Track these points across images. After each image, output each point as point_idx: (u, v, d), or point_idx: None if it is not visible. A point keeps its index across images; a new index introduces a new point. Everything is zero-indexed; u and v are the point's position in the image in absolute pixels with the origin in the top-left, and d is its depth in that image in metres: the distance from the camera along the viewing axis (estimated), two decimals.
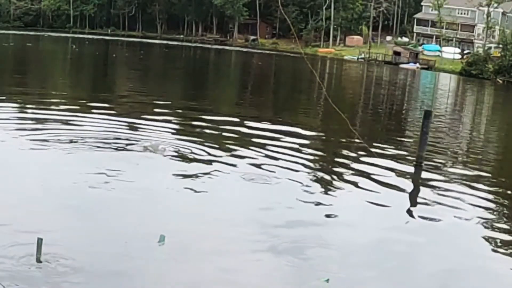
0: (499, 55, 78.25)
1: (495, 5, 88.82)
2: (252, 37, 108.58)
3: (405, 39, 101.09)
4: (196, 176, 10.26)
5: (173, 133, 13.98)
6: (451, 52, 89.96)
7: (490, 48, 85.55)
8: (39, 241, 6.21)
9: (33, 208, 7.91)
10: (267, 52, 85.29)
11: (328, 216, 8.77)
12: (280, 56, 76.65)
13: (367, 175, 11.37)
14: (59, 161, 10.52)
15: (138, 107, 18.37)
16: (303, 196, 9.61)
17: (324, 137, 14.83)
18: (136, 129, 14.02)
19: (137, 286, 6.16)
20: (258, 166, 11.26)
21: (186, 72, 40.48)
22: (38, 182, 9.01)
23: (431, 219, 9.20)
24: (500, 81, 72.40)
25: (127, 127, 14.17)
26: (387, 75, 63.69)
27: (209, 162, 11.22)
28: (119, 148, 11.74)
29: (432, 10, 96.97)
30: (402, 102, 34.68)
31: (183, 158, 11.44)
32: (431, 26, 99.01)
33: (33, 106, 16.75)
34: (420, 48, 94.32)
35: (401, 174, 11.74)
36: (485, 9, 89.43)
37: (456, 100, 42.21)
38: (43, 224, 7.32)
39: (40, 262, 6.15)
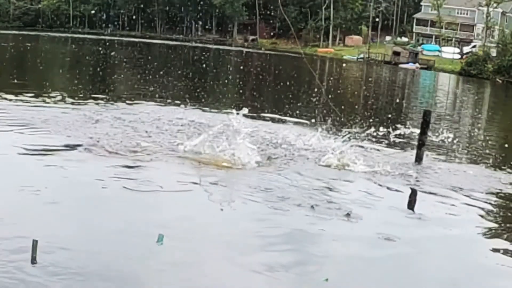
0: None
1: (495, 5, 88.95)
2: (251, 37, 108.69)
3: (405, 39, 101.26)
4: (196, 176, 10.26)
5: (175, 133, 13.92)
6: (450, 52, 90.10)
7: (474, 46, 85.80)
8: (34, 243, 6.18)
9: (28, 208, 7.88)
10: (267, 52, 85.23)
11: (326, 215, 8.75)
12: (279, 56, 76.62)
13: (365, 175, 11.37)
14: (55, 160, 10.49)
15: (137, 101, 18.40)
16: (298, 193, 9.60)
17: (322, 134, 14.81)
18: (134, 128, 13.98)
19: (135, 287, 6.14)
20: (255, 161, 11.28)
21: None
22: (33, 182, 8.96)
23: (430, 219, 9.19)
24: (500, 81, 72.49)
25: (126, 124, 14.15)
26: (386, 75, 63.72)
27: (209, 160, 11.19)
28: (118, 147, 11.70)
29: (431, 10, 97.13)
30: (401, 101, 34.65)
31: (182, 157, 11.41)
32: (430, 26, 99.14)
33: (28, 104, 16.72)
34: (419, 48, 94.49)
35: (400, 174, 11.73)
36: (485, 9, 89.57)
37: (456, 99, 42.23)
38: (39, 224, 7.29)
39: (35, 263, 6.12)
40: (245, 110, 12.09)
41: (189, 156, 11.37)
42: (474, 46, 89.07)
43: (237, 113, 11.89)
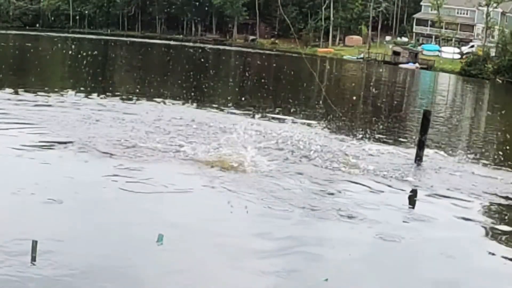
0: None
1: (495, 5, 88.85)
2: (251, 37, 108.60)
3: (405, 39, 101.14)
4: (197, 177, 10.24)
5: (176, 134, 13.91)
6: (450, 52, 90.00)
7: (473, 46, 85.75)
8: (34, 244, 6.17)
9: (28, 208, 7.87)
10: (267, 52, 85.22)
11: (325, 214, 8.74)
12: (279, 56, 76.61)
13: (366, 175, 11.36)
14: (54, 159, 10.48)
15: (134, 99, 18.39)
16: (300, 194, 9.60)
17: (323, 133, 14.86)
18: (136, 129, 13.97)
19: (135, 287, 6.14)
20: (257, 162, 11.26)
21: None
22: (33, 182, 8.95)
23: (430, 219, 9.17)
24: (500, 81, 72.42)
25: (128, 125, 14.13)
26: (386, 75, 63.71)
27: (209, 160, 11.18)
28: (118, 147, 11.69)
29: (431, 10, 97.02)
30: (401, 101, 34.69)
31: (183, 158, 11.39)
32: (430, 26, 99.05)
33: (28, 103, 16.70)
34: (419, 48, 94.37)
35: (400, 174, 11.72)
36: (485, 9, 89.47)
37: (456, 99, 42.23)
38: (39, 224, 7.29)
39: (35, 264, 6.11)
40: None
41: (190, 157, 11.34)
42: (472, 46, 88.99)
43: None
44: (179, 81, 30.46)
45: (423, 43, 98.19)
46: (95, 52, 54.30)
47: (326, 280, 6.47)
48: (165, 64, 46.28)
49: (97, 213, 8.07)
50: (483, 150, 17.00)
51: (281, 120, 17.87)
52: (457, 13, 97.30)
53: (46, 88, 20.97)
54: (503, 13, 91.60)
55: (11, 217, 7.47)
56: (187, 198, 9.23)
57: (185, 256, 6.94)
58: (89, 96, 19.78)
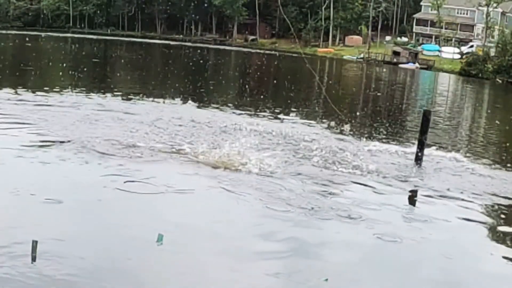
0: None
1: (495, 5, 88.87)
2: (251, 37, 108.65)
3: (405, 39, 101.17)
4: (197, 177, 10.23)
5: (172, 132, 13.90)
6: (450, 52, 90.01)
7: (472, 46, 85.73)
8: (34, 244, 6.17)
9: (27, 208, 7.86)
10: (267, 52, 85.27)
11: (325, 214, 8.73)
12: (279, 56, 76.62)
13: (366, 175, 11.35)
14: (54, 160, 10.46)
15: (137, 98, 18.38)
16: (301, 194, 9.59)
17: (323, 133, 14.85)
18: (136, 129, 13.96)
19: (135, 287, 6.13)
20: (257, 162, 11.24)
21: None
22: (32, 182, 8.94)
23: (430, 219, 9.16)
24: (500, 81, 72.41)
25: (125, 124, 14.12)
26: (386, 75, 63.71)
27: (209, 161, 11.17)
28: (117, 147, 11.68)
29: (431, 10, 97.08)
30: (401, 101, 34.69)
31: (181, 155, 11.39)
32: (430, 26, 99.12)
33: (28, 103, 16.69)
34: (419, 48, 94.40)
35: (400, 174, 11.71)
36: (485, 9, 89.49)
37: (455, 99, 42.23)
38: (39, 224, 7.27)
39: (35, 264, 6.10)
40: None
41: (190, 158, 11.33)
42: (471, 46, 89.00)
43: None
44: (179, 81, 30.48)
45: (423, 43, 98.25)
46: (95, 52, 54.37)
47: (326, 280, 6.46)
48: (165, 64, 46.28)
49: (97, 213, 8.06)
50: (483, 150, 17.00)
51: (281, 120, 17.88)
52: (457, 13, 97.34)
53: (46, 88, 20.94)
54: (503, 13, 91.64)
55: (11, 217, 7.46)
56: (187, 199, 9.22)
57: (185, 257, 6.93)
58: (89, 96, 19.78)
